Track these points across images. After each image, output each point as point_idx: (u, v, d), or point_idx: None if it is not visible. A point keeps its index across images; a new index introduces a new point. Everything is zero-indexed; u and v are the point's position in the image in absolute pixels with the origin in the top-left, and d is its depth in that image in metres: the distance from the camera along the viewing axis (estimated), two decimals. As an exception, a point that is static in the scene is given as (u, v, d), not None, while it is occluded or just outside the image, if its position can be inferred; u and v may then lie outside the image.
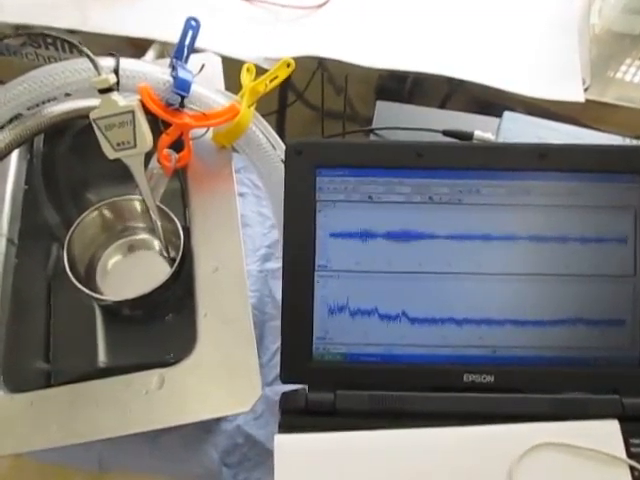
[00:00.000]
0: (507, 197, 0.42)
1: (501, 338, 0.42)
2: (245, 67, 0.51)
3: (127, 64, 0.45)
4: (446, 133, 0.57)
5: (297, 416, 0.41)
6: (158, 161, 0.48)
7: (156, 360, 0.43)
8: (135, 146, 0.44)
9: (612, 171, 0.42)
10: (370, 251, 0.42)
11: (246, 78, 0.50)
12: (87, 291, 0.46)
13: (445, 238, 0.42)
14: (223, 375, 0.41)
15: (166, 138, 0.47)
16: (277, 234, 0.60)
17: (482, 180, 0.42)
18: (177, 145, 0.49)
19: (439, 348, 0.42)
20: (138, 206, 0.52)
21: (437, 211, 0.42)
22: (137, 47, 0.63)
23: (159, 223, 0.48)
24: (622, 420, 0.39)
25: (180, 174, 0.53)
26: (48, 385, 0.47)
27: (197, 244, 0.47)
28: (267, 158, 0.49)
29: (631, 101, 0.63)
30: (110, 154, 0.44)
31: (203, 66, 0.50)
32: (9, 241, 0.48)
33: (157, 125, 0.48)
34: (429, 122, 0.58)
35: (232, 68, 0.56)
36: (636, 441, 0.39)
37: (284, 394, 0.42)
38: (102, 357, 0.47)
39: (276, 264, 0.59)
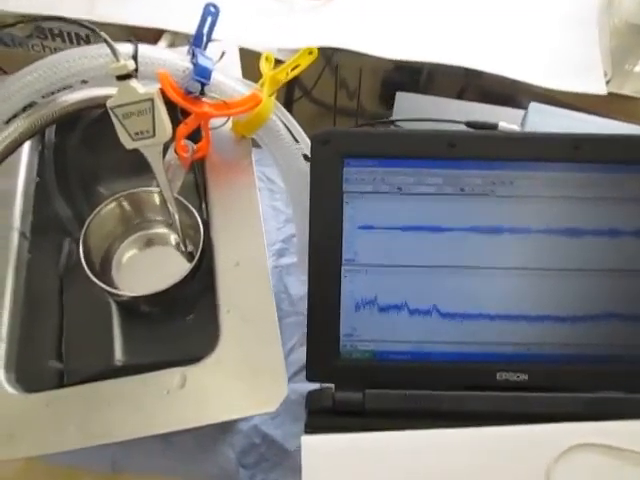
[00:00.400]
0: (541, 189, 0.41)
1: (535, 335, 0.41)
2: (264, 56, 0.49)
3: (146, 50, 0.43)
4: (469, 124, 0.55)
5: (324, 416, 0.40)
6: (175, 152, 0.47)
7: (175, 358, 0.41)
8: (154, 135, 0.42)
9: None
10: (399, 244, 0.41)
11: (265, 67, 0.49)
12: (104, 286, 0.44)
13: (477, 231, 0.41)
14: (247, 373, 0.39)
15: (184, 128, 0.46)
16: (291, 229, 0.59)
17: (515, 171, 0.41)
18: (194, 136, 0.47)
19: (471, 345, 0.41)
20: (157, 198, 0.51)
21: (469, 203, 0.41)
22: (142, 39, 0.62)
23: (177, 216, 0.47)
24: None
25: (196, 166, 0.52)
26: (61, 384, 0.45)
27: (217, 238, 0.45)
28: (286, 149, 0.48)
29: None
30: (128, 144, 0.43)
31: (224, 53, 0.48)
32: (22, 235, 0.47)
33: (175, 114, 0.46)
34: (450, 113, 0.57)
35: (244, 59, 0.54)
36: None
37: (310, 393, 0.41)
38: (119, 355, 0.45)
39: (291, 259, 0.58)
